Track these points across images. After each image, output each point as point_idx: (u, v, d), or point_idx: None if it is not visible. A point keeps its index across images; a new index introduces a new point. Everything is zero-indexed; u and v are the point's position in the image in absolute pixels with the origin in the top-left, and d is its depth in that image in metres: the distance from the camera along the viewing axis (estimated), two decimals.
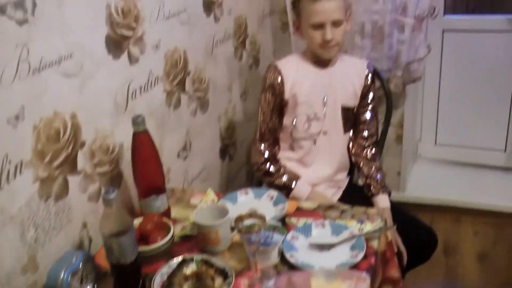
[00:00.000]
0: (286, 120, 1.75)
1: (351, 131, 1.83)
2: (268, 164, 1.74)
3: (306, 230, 1.30)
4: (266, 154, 1.75)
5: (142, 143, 1.26)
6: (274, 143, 1.79)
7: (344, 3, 1.62)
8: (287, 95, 1.70)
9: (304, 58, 1.74)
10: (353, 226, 1.31)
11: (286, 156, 1.80)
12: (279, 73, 1.69)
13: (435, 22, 2.44)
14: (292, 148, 1.78)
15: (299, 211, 1.42)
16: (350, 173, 1.92)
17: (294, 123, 1.74)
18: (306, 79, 1.70)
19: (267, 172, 1.73)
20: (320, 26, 1.59)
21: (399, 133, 2.58)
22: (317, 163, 1.78)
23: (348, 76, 1.75)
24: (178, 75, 1.71)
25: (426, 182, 2.80)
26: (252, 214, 1.11)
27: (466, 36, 2.65)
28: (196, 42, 1.81)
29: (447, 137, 2.88)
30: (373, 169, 1.77)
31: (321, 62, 1.71)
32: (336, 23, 1.59)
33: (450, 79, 2.74)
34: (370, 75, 1.77)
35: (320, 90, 1.71)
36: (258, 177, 1.82)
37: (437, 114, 2.83)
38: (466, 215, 2.58)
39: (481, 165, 2.83)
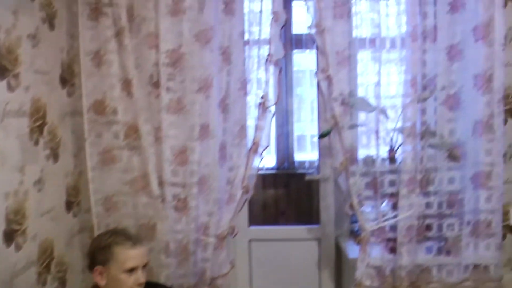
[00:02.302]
0: None
1: None
2: None
3: None
4: None
5: None
6: None
7: None
8: None
9: None
10: None
11: None
12: None
13: (241, 233, 2.77)
14: None
15: None
16: None
17: None
18: None
19: None
20: (132, 270, 1.77)
21: None
22: None
23: None
24: None
25: None
26: None
27: (272, 245, 3.05)
28: None
29: None
30: None
31: None
32: (145, 266, 1.82)
33: (261, 284, 3.04)
34: None
35: None
36: None
37: None
38: None
39: None
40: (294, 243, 3.05)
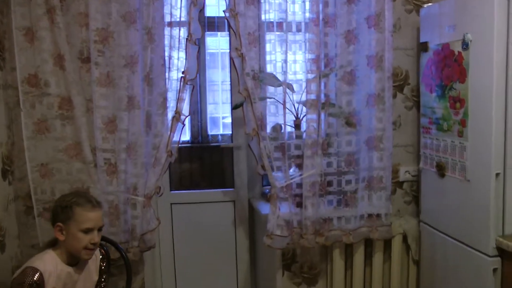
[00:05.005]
0: None
1: None
2: None
3: None
4: None
5: None
6: None
7: None
8: None
9: (60, 257, 2.22)
10: None
11: None
12: (40, 277, 2.10)
13: (163, 197, 3.33)
14: None
15: None
16: None
17: None
18: (61, 279, 2.22)
19: None
20: (89, 230, 2.17)
21: None
22: None
23: (90, 268, 2.41)
24: None
25: None
26: None
27: (191, 207, 3.66)
28: None
29: None
30: None
31: (74, 261, 2.28)
32: (100, 229, 2.24)
33: (183, 243, 3.66)
34: (103, 258, 2.50)
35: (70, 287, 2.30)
36: None
37: (175, 275, 3.66)
38: None
39: None
40: (211, 205, 3.68)
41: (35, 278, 2.09)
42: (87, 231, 2.17)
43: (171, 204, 3.61)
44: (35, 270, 2.11)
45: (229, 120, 3.70)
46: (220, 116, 3.78)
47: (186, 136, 3.65)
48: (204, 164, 3.83)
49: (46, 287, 2.13)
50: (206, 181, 3.83)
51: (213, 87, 3.73)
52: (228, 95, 3.65)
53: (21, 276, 2.10)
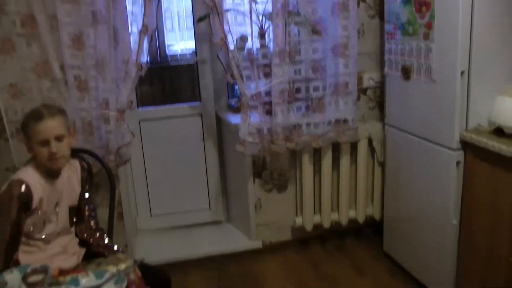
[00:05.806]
0: (25, 225, 2.20)
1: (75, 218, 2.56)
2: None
3: (75, 282, 1.95)
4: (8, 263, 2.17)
5: None
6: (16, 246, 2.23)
7: (64, 121, 2.25)
8: (34, 205, 2.17)
9: (39, 170, 2.23)
10: (111, 269, 2.06)
11: (23, 250, 2.28)
12: (27, 188, 2.14)
13: (131, 114, 3.40)
14: (28, 244, 2.29)
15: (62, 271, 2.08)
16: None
17: (32, 228, 2.23)
18: (46, 190, 2.28)
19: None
20: (46, 142, 2.15)
21: (119, 211, 3.42)
22: (52, 255, 2.36)
23: (71, 180, 2.49)
24: None
25: (150, 249, 3.71)
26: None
27: (160, 123, 3.78)
28: None
29: (160, 208, 3.89)
30: (100, 236, 2.57)
31: (52, 173, 2.33)
32: (59, 138, 2.18)
33: (153, 158, 3.82)
34: (84, 170, 2.57)
35: (53, 198, 2.36)
36: None
37: (148, 190, 3.82)
38: (191, 267, 3.56)
39: (193, 224, 3.95)
40: (179, 120, 3.82)
41: (22, 190, 2.13)
42: (43, 143, 2.17)
43: (139, 121, 3.70)
44: (21, 181, 2.15)
45: (180, 47, 3.83)
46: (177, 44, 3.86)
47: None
48: (165, 83, 3.91)
49: (34, 194, 2.18)
50: (170, 99, 3.91)
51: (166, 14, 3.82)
52: (182, 22, 3.74)
53: (8, 190, 2.14)
